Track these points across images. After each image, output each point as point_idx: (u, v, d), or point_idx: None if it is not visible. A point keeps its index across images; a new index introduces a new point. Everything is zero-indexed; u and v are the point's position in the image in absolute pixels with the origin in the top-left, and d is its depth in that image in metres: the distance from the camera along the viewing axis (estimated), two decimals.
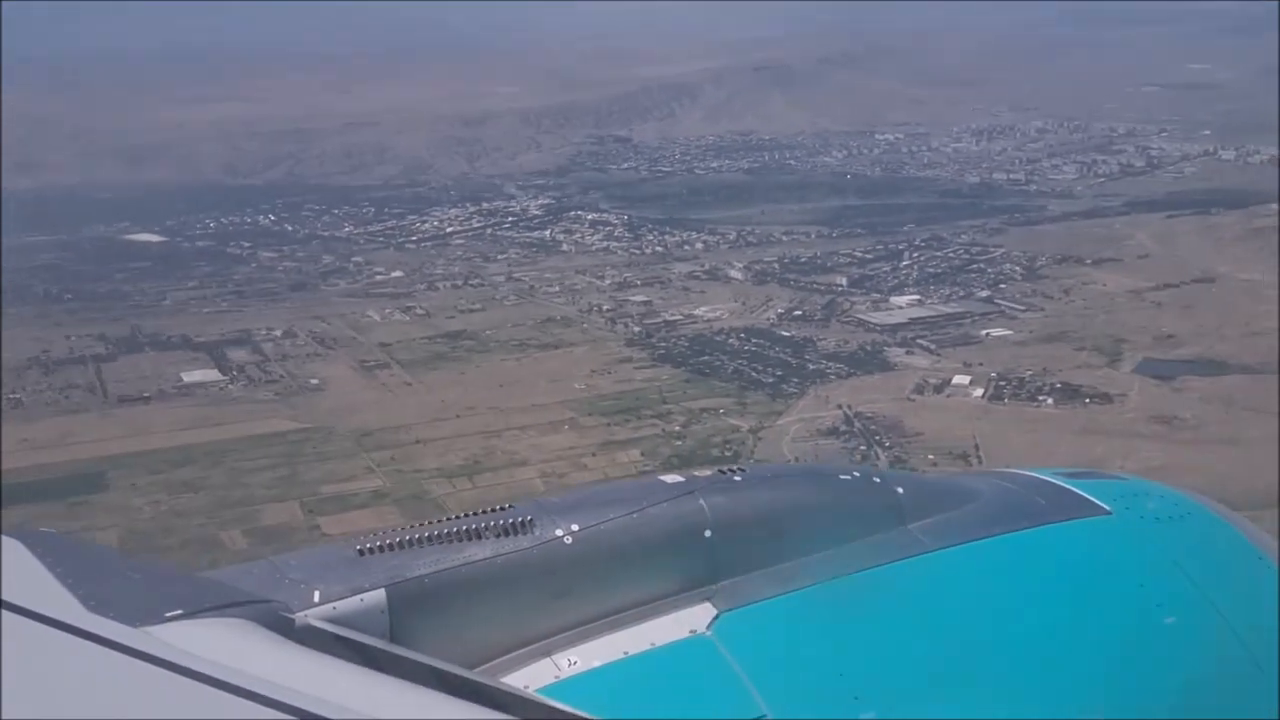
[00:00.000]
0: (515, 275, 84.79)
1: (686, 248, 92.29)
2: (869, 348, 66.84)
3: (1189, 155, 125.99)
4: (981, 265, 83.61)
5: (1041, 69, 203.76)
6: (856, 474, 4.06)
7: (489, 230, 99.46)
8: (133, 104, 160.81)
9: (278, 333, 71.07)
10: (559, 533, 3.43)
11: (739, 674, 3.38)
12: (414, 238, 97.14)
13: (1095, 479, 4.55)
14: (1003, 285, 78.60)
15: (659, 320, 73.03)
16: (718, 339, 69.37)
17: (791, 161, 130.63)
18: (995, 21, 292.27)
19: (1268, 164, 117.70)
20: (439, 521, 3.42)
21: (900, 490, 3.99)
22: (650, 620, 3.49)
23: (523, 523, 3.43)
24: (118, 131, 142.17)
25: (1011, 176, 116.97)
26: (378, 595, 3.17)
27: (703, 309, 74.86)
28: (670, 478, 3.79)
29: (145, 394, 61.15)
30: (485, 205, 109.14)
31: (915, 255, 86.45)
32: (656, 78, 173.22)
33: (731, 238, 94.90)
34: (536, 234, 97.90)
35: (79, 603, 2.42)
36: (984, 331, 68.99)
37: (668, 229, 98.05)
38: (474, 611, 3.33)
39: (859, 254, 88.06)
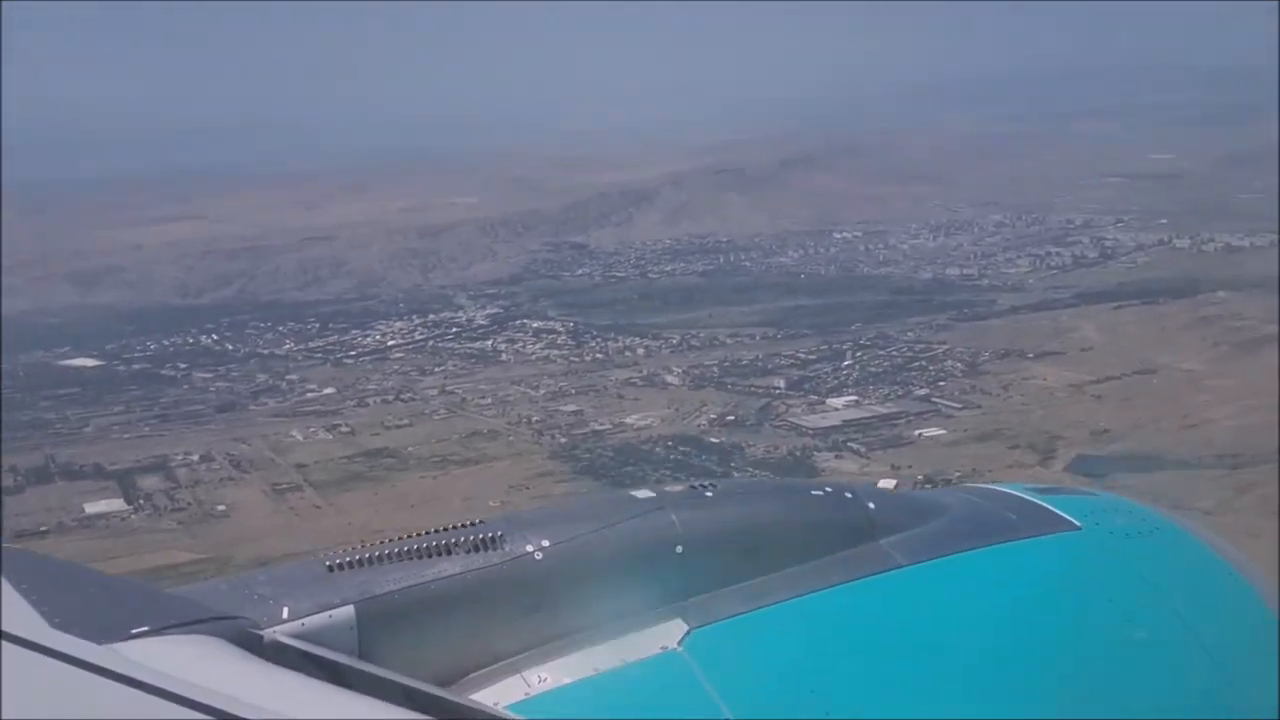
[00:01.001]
0: (449, 388, 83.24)
1: (628, 354, 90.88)
2: (798, 453, 65.12)
3: (1143, 245, 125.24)
4: (923, 363, 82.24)
5: (1006, 164, 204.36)
6: (829, 489, 4.07)
7: (430, 342, 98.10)
8: (90, 227, 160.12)
9: (195, 457, 69.24)
10: (529, 548, 3.45)
11: (710, 690, 3.39)
12: (353, 353, 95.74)
13: (1065, 494, 4.54)
14: (942, 383, 77.12)
15: (587, 430, 71.34)
16: (644, 448, 67.63)
17: (746, 263, 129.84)
18: (963, 118, 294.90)
19: (1221, 251, 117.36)
20: (408, 538, 3.41)
21: (872, 505, 4.00)
22: (621, 636, 3.48)
23: (493, 538, 3.43)
24: (74, 255, 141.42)
25: (964, 271, 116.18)
26: (346, 612, 3.15)
27: (634, 417, 73.20)
28: (641, 493, 3.78)
29: (43, 528, 58.98)
30: (432, 317, 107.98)
31: (858, 355, 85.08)
32: (617, 183, 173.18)
33: (675, 342, 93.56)
34: (478, 344, 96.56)
35: (43, 619, 2.40)
36: (917, 432, 67.36)
37: (612, 335, 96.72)
38: (443, 628, 3.31)
39: (802, 355, 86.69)
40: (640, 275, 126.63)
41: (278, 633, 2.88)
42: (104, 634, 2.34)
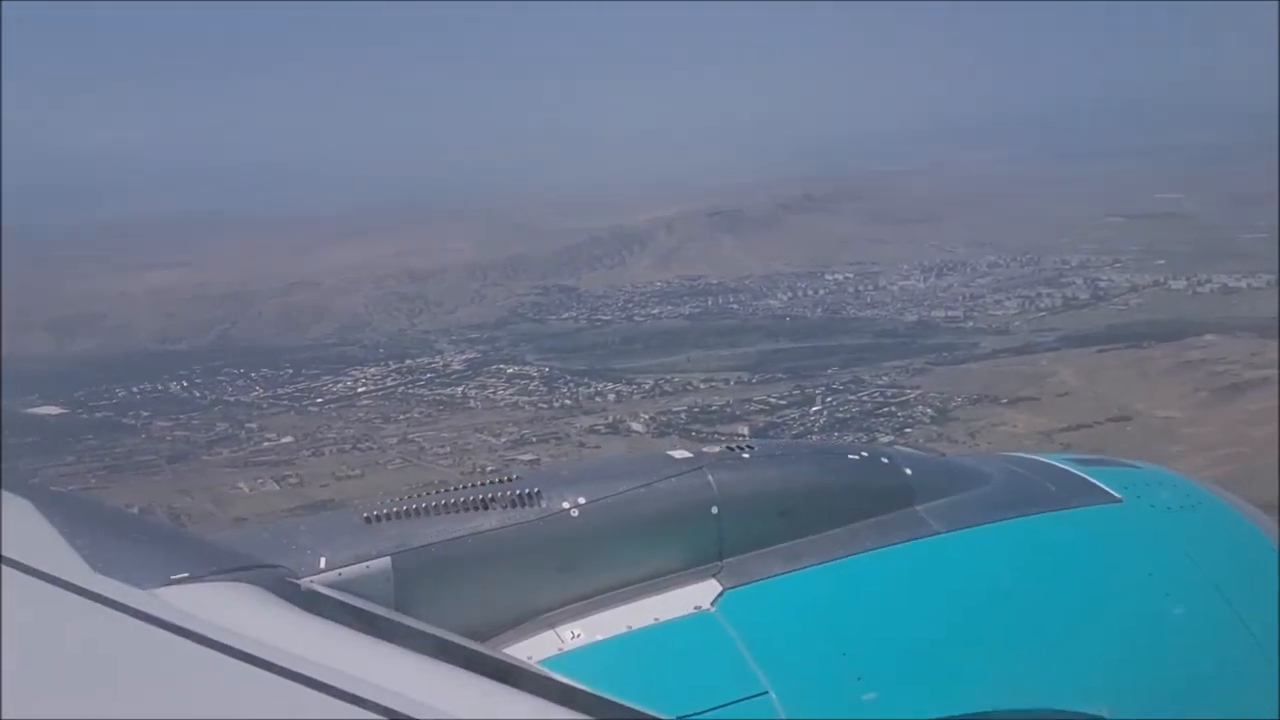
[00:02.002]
0: (410, 436, 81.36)
1: (598, 399, 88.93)
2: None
3: (1138, 286, 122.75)
4: (894, 408, 80.00)
5: (1009, 204, 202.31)
6: (865, 454, 4.09)
7: (401, 388, 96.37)
8: (79, 274, 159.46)
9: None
10: (565, 505, 3.49)
11: (742, 651, 3.42)
12: (320, 400, 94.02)
13: (1108, 466, 4.48)
14: (909, 429, 74.67)
15: None
16: None
17: (734, 305, 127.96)
18: (976, 159, 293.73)
19: (1217, 292, 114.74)
20: (445, 491, 3.49)
21: (909, 471, 3.96)
22: (655, 595, 3.52)
23: (529, 494, 3.48)
24: (55, 302, 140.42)
25: (950, 313, 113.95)
26: (383, 563, 3.21)
27: None
28: (678, 453, 3.88)
29: None
30: (408, 362, 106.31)
31: (828, 400, 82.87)
32: (610, 226, 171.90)
33: (648, 387, 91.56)
34: (449, 390, 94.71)
35: (85, 563, 2.42)
36: None
37: (586, 380, 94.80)
38: (478, 582, 3.35)
39: (773, 400, 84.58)
40: (625, 318, 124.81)
41: (315, 582, 2.86)
42: (145, 579, 2.34)
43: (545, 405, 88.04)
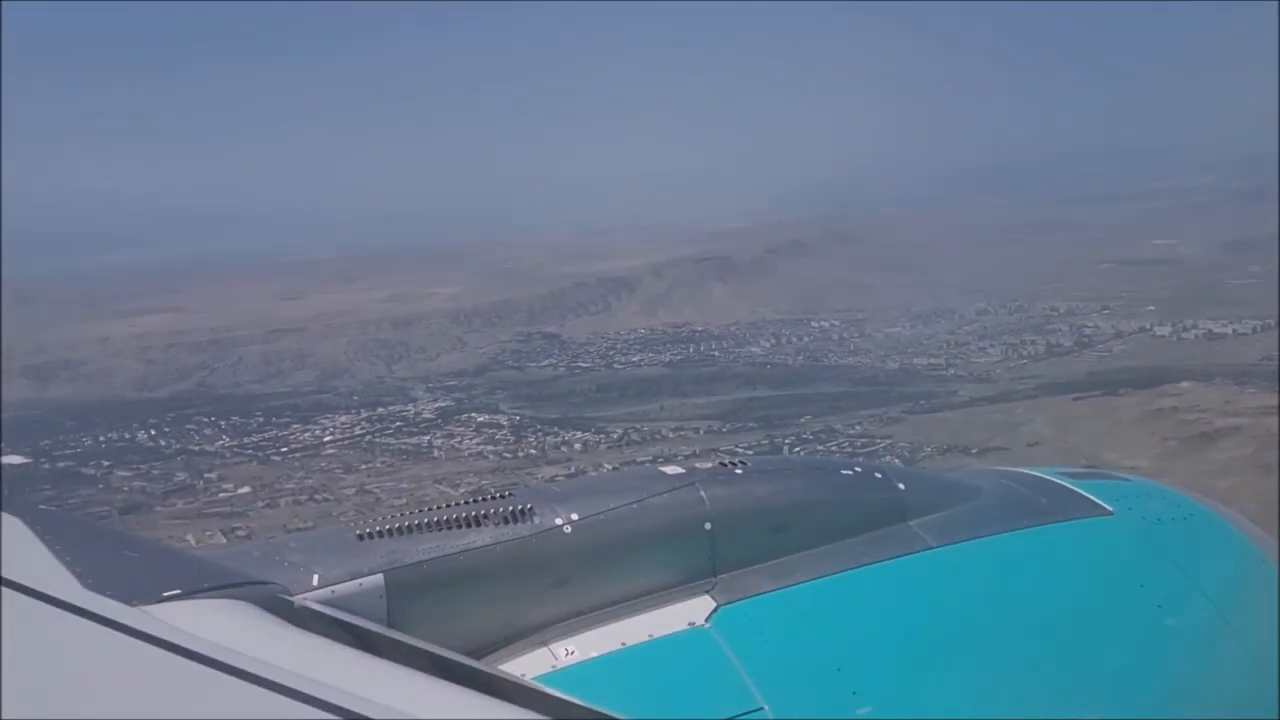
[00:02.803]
0: (368, 487, 79.95)
1: (564, 449, 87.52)
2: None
3: (1123, 333, 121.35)
4: (861, 459, 78.28)
5: (1003, 250, 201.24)
6: (858, 469, 4.06)
7: (368, 437, 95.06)
8: (63, 320, 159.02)
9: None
10: (558, 521, 3.46)
11: (737, 667, 3.41)
12: (284, 449, 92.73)
13: (1098, 479, 4.46)
14: None
15: None
16: None
17: (715, 353, 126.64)
18: (977, 204, 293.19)
19: (1201, 338, 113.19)
20: (438, 508, 3.43)
21: (902, 486, 3.94)
22: (649, 612, 3.50)
23: (522, 510, 3.45)
24: (35, 349, 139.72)
25: (932, 361, 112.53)
26: (376, 580, 3.18)
27: None
28: (670, 468, 3.80)
29: None
30: (381, 410, 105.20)
31: (796, 450, 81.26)
32: (598, 271, 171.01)
33: (616, 436, 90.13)
34: (415, 440, 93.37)
35: (76, 580, 2.44)
36: None
37: (555, 429, 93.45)
38: (471, 598, 3.34)
39: (740, 449, 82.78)
40: (605, 365, 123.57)
41: (308, 599, 2.86)
42: (136, 595, 2.34)
43: (510, 455, 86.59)
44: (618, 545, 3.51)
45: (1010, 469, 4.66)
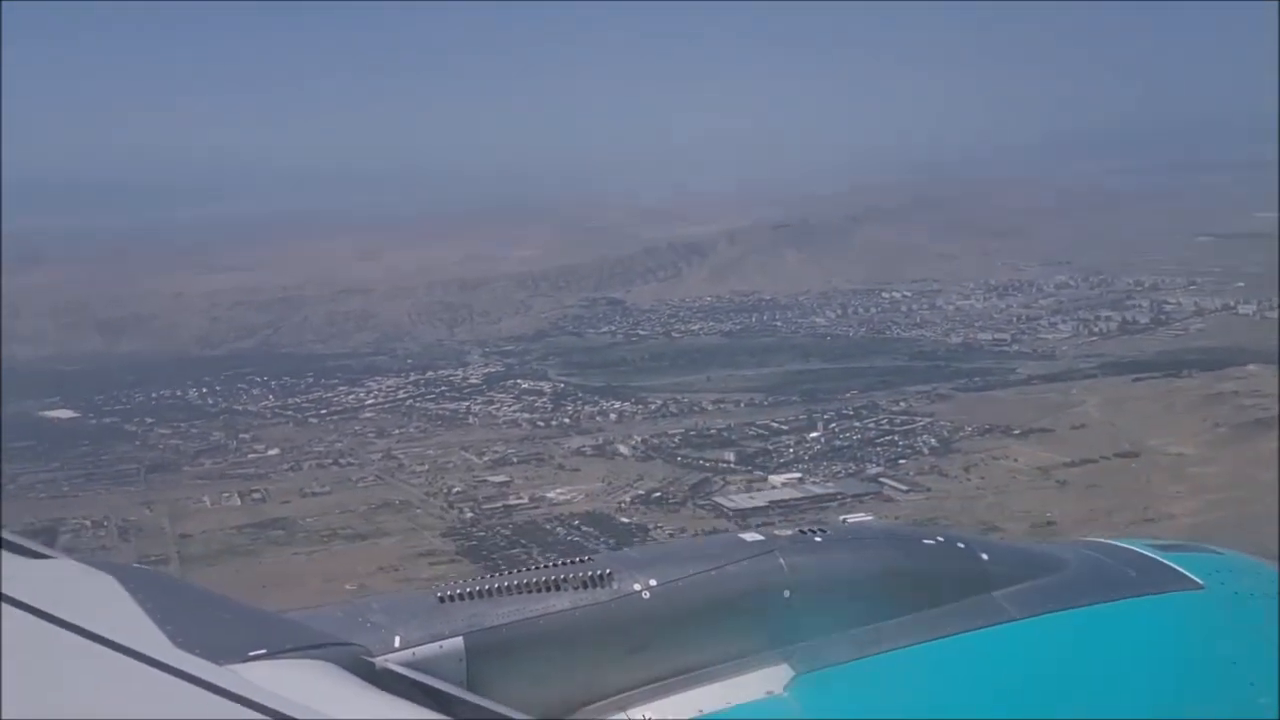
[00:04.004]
0: (395, 452, 79.22)
1: (599, 419, 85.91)
2: (700, 538, 59.22)
3: (1204, 310, 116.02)
4: (896, 437, 75.61)
5: (1098, 219, 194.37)
6: (940, 538, 3.97)
7: (409, 401, 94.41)
8: (140, 276, 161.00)
9: (88, 523, 66.18)
10: (637, 587, 3.45)
11: None
12: (324, 411, 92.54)
13: (1188, 552, 4.37)
14: (903, 461, 70.50)
15: (499, 505, 66.51)
16: (546, 527, 62.59)
17: (777, 323, 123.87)
18: (1082, 169, 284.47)
19: None
20: (518, 572, 3.46)
21: (985, 557, 3.89)
22: (727, 679, 3.48)
23: (601, 575, 3.45)
24: (110, 302, 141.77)
25: (997, 336, 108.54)
26: (456, 643, 3.22)
27: (558, 490, 68.25)
28: (750, 535, 3.78)
29: None
30: (430, 374, 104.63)
31: (831, 426, 78.75)
32: (672, 237, 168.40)
33: (655, 407, 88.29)
34: (454, 405, 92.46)
35: (167, 639, 2.50)
36: (842, 518, 60.02)
37: (596, 398, 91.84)
38: (550, 663, 3.35)
39: (775, 424, 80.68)
40: (664, 334, 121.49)
41: (389, 661, 2.89)
42: (223, 654, 2.40)
43: (543, 424, 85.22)
44: (696, 612, 3.45)
45: (1098, 540, 4.49)
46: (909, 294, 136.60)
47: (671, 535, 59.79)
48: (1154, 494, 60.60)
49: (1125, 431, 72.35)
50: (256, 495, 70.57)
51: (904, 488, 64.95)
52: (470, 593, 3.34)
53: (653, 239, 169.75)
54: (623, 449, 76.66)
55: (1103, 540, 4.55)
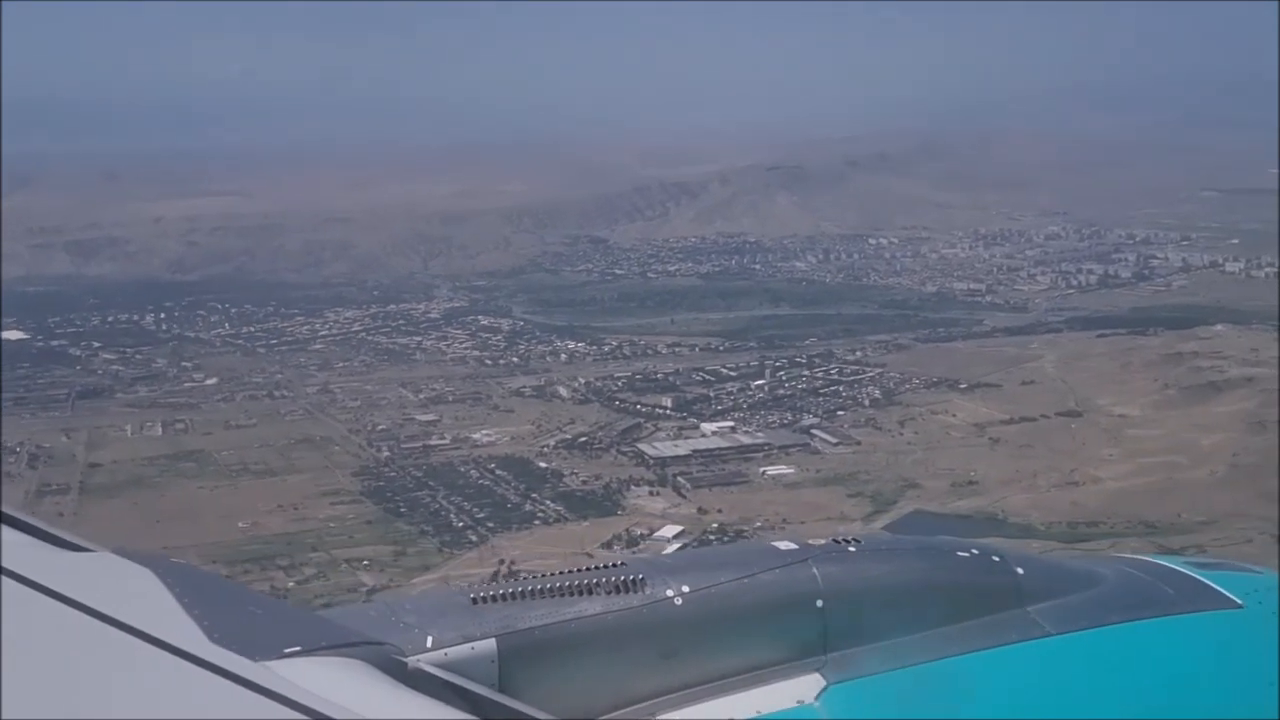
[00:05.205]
0: (332, 386, 77.62)
1: (549, 359, 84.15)
2: (614, 486, 57.52)
3: (1191, 267, 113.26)
4: (841, 388, 73.60)
5: (1103, 172, 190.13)
6: (975, 551, 3.92)
7: (362, 334, 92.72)
8: (125, 200, 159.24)
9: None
10: (669, 593, 3.43)
11: None
12: (274, 341, 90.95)
13: (1228, 570, 4.32)
14: (841, 413, 68.59)
15: (420, 445, 64.88)
16: (461, 469, 61.08)
17: (756, 266, 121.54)
18: (1099, 122, 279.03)
19: (1270, 278, 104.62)
20: (551, 575, 3.45)
21: (1020, 571, 3.86)
22: (758, 687, 3.45)
23: (634, 581, 3.43)
24: (87, 225, 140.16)
25: (973, 286, 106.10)
26: (488, 644, 3.22)
27: (484, 432, 66.65)
28: (784, 544, 3.74)
29: None
30: (392, 307, 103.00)
31: (779, 375, 76.76)
32: (668, 176, 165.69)
33: (609, 349, 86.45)
34: (405, 340, 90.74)
35: (203, 633, 2.52)
36: (763, 470, 59.06)
37: (553, 338, 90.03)
38: (581, 666, 3.34)
39: (724, 370, 78.77)
40: (640, 274, 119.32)
41: (421, 661, 2.92)
42: (258, 651, 2.42)
43: (490, 362, 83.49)
44: (728, 619, 3.40)
45: (1136, 557, 4.40)
46: (895, 241, 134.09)
47: (585, 482, 58.50)
48: (1086, 456, 58.57)
49: (1075, 390, 70.23)
50: (180, 426, 69.15)
51: (833, 440, 63.02)
52: (503, 595, 3.29)
53: (645, 178, 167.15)
54: (562, 391, 74.90)
55: (1141, 557, 4.42)
